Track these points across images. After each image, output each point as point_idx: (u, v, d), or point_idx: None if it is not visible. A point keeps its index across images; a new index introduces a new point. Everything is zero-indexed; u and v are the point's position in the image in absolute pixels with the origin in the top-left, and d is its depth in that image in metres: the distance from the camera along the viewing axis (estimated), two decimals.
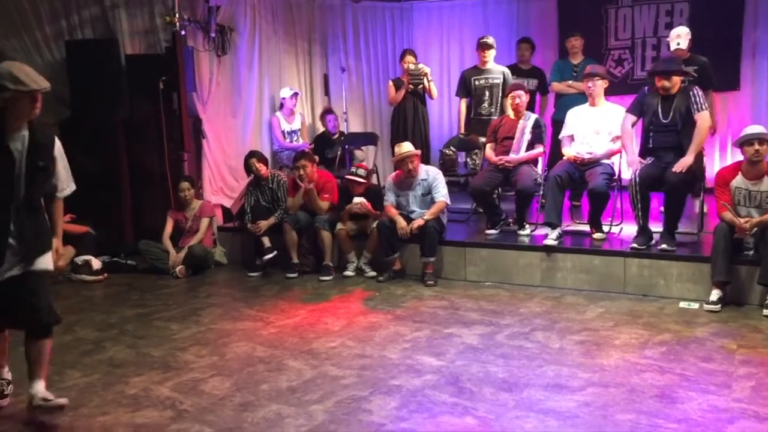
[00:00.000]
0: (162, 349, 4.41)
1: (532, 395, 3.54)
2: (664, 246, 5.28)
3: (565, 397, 3.49)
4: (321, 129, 8.43)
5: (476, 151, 7.14)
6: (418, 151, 6.20)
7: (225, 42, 7.27)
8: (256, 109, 7.93)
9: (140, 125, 7.10)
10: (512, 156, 6.11)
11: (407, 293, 5.62)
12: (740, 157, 5.09)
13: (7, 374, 3.67)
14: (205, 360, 4.19)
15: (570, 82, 7.26)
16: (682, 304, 5.03)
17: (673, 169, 5.11)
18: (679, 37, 6.28)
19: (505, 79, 7.17)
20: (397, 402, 3.50)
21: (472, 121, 7.31)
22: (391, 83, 7.83)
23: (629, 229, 5.86)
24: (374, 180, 7.37)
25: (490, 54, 7.19)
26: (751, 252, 5.02)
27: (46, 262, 3.40)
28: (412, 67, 7.55)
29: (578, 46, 7.40)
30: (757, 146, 4.83)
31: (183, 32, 6.75)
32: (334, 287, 5.92)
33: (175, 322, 5.02)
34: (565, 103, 6.84)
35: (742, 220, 4.85)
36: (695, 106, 5.25)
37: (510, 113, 6.33)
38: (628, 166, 5.48)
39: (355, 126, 9.09)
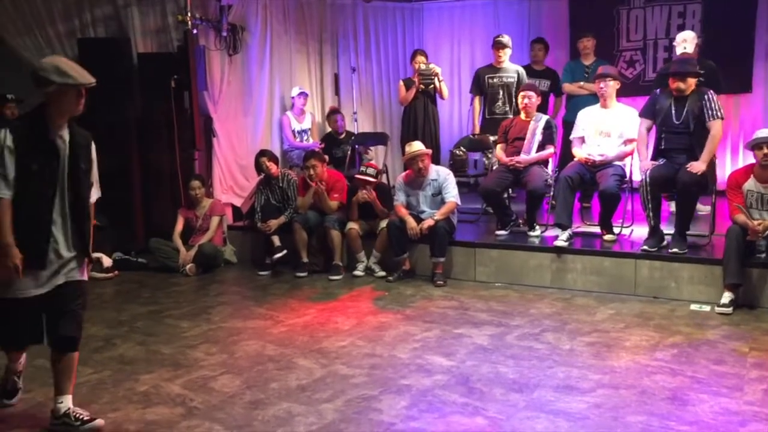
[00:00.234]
0: (172, 347, 4.42)
1: (542, 396, 3.53)
2: (675, 248, 5.26)
3: (575, 399, 3.48)
4: (329, 129, 8.44)
5: (491, 150, 7.13)
6: (429, 150, 6.20)
7: (236, 41, 7.29)
8: (267, 108, 7.94)
9: (152, 124, 7.13)
10: (523, 156, 6.09)
11: (417, 293, 5.62)
12: (752, 160, 5.06)
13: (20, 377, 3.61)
14: (215, 358, 4.20)
15: (582, 83, 7.24)
16: (694, 307, 5.01)
17: (687, 168, 5.08)
18: (685, 41, 6.24)
19: (519, 79, 7.14)
20: (407, 401, 3.50)
21: (485, 120, 7.30)
22: (401, 83, 7.83)
23: (640, 231, 5.84)
24: (384, 180, 7.36)
25: (505, 53, 7.17)
26: (764, 254, 5.00)
27: (84, 271, 3.33)
28: (423, 67, 7.54)
29: (590, 47, 7.38)
30: (766, 150, 4.80)
31: (195, 31, 6.77)
32: (343, 287, 5.93)
33: (185, 319, 5.04)
34: (577, 104, 6.82)
35: (755, 222, 4.83)
36: (709, 113, 5.21)
37: (521, 113, 6.31)
38: (640, 171, 5.45)
39: (366, 126, 9.09)
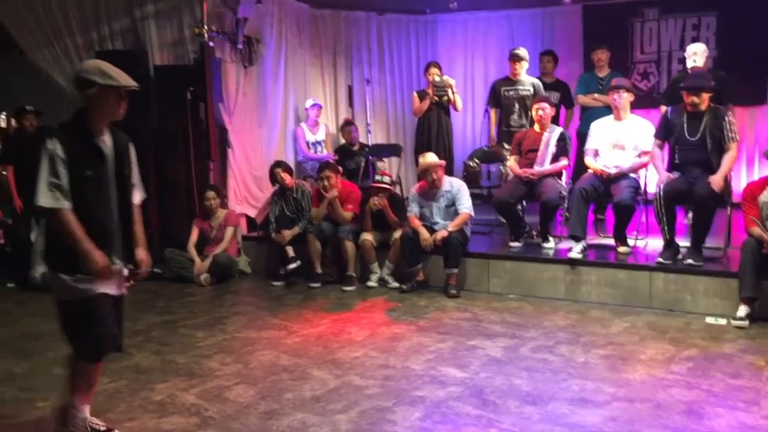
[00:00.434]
0: (187, 357, 4.45)
1: (557, 409, 3.52)
2: (690, 261, 5.23)
3: (590, 412, 3.47)
4: (342, 140, 8.48)
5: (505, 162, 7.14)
6: (443, 162, 6.21)
7: (252, 53, 7.36)
8: (281, 119, 8.00)
9: (168, 135, 7.20)
10: (536, 168, 6.10)
11: (430, 304, 5.62)
12: (767, 172, 5.04)
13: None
14: (229, 368, 4.22)
15: (596, 95, 7.23)
16: (709, 320, 4.98)
17: (706, 182, 5.06)
18: (696, 54, 6.22)
19: (535, 91, 7.14)
20: (420, 413, 3.50)
21: (501, 133, 7.30)
22: (415, 94, 7.85)
23: (655, 243, 5.82)
24: (397, 191, 7.38)
25: (522, 66, 7.18)
26: None
27: (123, 285, 3.26)
28: (437, 79, 7.56)
29: (604, 59, 7.37)
30: None
31: (211, 44, 6.84)
32: (357, 297, 5.94)
33: (200, 329, 5.07)
34: (591, 116, 6.81)
35: None
36: (729, 134, 5.22)
37: (535, 125, 6.32)
38: (656, 184, 5.43)
39: (379, 137, 9.13)
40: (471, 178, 7.02)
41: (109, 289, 3.09)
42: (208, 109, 6.95)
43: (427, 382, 3.92)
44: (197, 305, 5.82)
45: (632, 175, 5.75)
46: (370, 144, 8.43)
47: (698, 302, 5.17)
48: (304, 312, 5.51)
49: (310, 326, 5.09)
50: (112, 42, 7.29)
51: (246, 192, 7.54)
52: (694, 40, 8.00)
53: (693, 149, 5.30)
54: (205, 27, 6.75)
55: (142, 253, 3.31)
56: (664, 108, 6.31)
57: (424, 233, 5.89)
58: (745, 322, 4.77)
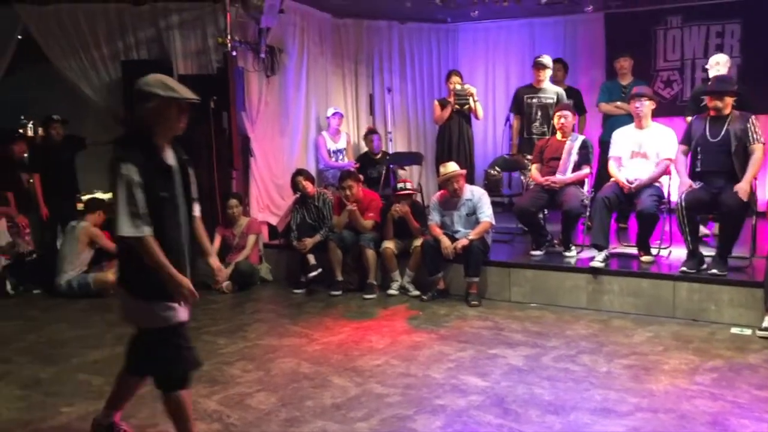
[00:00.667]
0: (209, 363, 4.46)
1: (579, 419, 3.49)
2: (714, 270, 5.17)
3: (613, 422, 3.44)
4: (364, 149, 8.51)
5: (528, 169, 7.12)
6: (464, 171, 6.21)
7: (274, 63, 7.42)
8: (303, 128, 8.06)
9: (191, 143, 7.23)
10: (558, 177, 6.07)
11: (451, 313, 5.61)
12: None
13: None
14: (251, 375, 4.25)
15: (618, 103, 7.19)
16: (734, 330, 4.91)
17: (733, 191, 5.00)
18: (719, 65, 6.18)
19: (558, 100, 7.12)
20: (441, 421, 3.49)
21: (522, 140, 7.29)
22: (436, 103, 7.87)
23: (678, 253, 5.76)
24: (418, 199, 7.39)
25: (545, 73, 7.17)
26: None
27: None
28: (458, 87, 7.58)
29: (627, 67, 7.34)
30: None
31: (234, 53, 6.90)
32: (377, 305, 5.95)
33: (222, 336, 5.10)
34: (613, 124, 6.77)
35: None
36: (754, 136, 5.15)
37: (557, 133, 6.30)
38: (678, 192, 5.38)
39: (400, 146, 9.16)
40: (492, 186, 7.02)
41: (186, 313, 3.04)
42: (230, 117, 7.02)
43: (447, 390, 3.91)
44: (219, 312, 5.86)
45: (656, 183, 5.70)
46: (390, 152, 8.45)
47: (723, 312, 5.11)
48: (324, 320, 5.53)
49: (330, 334, 5.11)
50: (137, 52, 7.40)
51: (268, 200, 7.59)
52: (718, 47, 7.97)
53: (716, 153, 5.23)
54: (229, 37, 6.82)
55: (215, 262, 3.35)
56: (689, 119, 6.27)
57: (445, 241, 5.88)
58: None
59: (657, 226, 5.70)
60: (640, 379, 4.03)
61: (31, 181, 7.39)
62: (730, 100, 5.26)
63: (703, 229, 6.11)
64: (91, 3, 7.28)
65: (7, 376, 4.37)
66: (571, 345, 4.69)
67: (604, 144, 6.74)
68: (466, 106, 7.62)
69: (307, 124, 8.12)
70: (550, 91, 7.22)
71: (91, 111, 7.82)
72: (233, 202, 6.85)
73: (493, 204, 6.27)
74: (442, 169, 6.20)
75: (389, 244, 6.28)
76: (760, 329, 4.75)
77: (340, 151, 8.18)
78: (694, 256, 5.31)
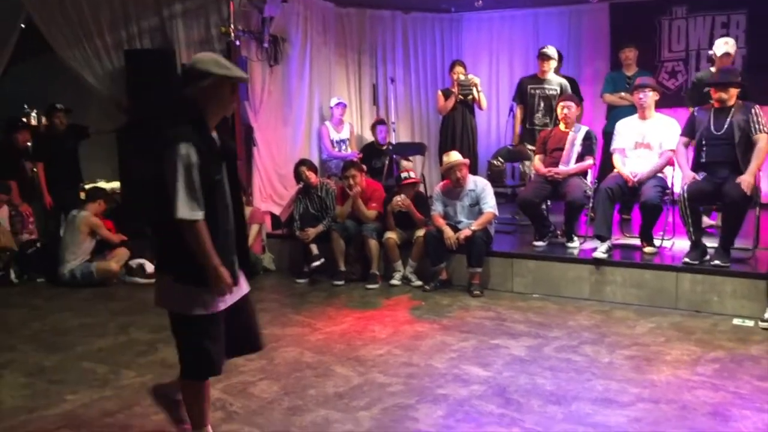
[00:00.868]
0: None
1: (580, 409, 3.50)
2: (717, 261, 5.17)
3: (614, 412, 3.45)
4: (367, 139, 8.49)
5: (530, 159, 7.11)
6: (467, 160, 6.21)
7: (277, 52, 7.41)
8: (306, 118, 8.05)
9: None
10: (561, 168, 6.06)
11: (453, 303, 5.62)
12: None
13: None
14: (254, 364, 4.25)
15: (622, 93, 7.17)
16: (737, 321, 4.92)
17: (736, 182, 4.99)
18: (727, 44, 6.15)
19: (562, 91, 7.10)
20: (443, 411, 3.51)
21: (525, 131, 7.28)
22: (440, 93, 7.86)
23: (681, 244, 5.75)
24: (421, 189, 7.39)
25: (549, 65, 7.15)
26: None
27: (245, 282, 3.14)
28: (462, 77, 7.56)
29: (632, 58, 7.31)
30: None
31: (237, 42, 6.90)
32: (380, 295, 5.96)
33: None
34: (617, 115, 6.75)
35: None
36: (757, 126, 5.13)
37: (560, 124, 6.29)
38: (681, 184, 5.37)
39: (404, 136, 9.15)
40: (495, 176, 7.01)
41: (226, 303, 2.95)
42: (234, 107, 7.00)
43: (450, 380, 3.92)
44: None
45: (659, 174, 5.69)
46: (393, 142, 8.45)
47: (725, 303, 5.11)
48: (327, 309, 5.54)
49: (333, 324, 5.12)
50: (141, 41, 7.38)
51: (271, 190, 7.59)
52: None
53: (719, 145, 5.22)
54: (232, 26, 6.81)
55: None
56: (692, 109, 6.25)
57: (448, 232, 5.89)
58: None
59: (660, 217, 5.70)
60: (642, 369, 4.04)
61: (35, 170, 7.40)
62: (735, 92, 5.24)
63: (706, 220, 6.11)
64: None
65: (11, 364, 4.39)
66: (573, 335, 4.70)
67: (608, 135, 6.72)
68: (470, 97, 7.60)
69: (310, 114, 8.11)
70: (554, 82, 7.20)
71: (94, 100, 7.83)
72: None
73: (496, 194, 6.27)
74: (445, 158, 6.20)
75: (392, 235, 6.28)
76: (763, 320, 4.76)
77: (343, 141, 8.17)
78: (696, 247, 5.31)
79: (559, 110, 6.29)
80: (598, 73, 8.35)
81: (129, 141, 7.22)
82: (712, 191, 5.18)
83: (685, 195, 5.19)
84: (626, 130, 5.90)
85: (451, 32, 9.68)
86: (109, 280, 6.53)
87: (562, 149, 6.13)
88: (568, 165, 6.07)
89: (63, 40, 7.23)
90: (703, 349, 4.36)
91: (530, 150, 6.86)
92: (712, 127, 5.26)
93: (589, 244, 5.96)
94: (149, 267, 6.55)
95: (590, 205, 5.98)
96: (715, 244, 5.32)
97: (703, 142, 5.32)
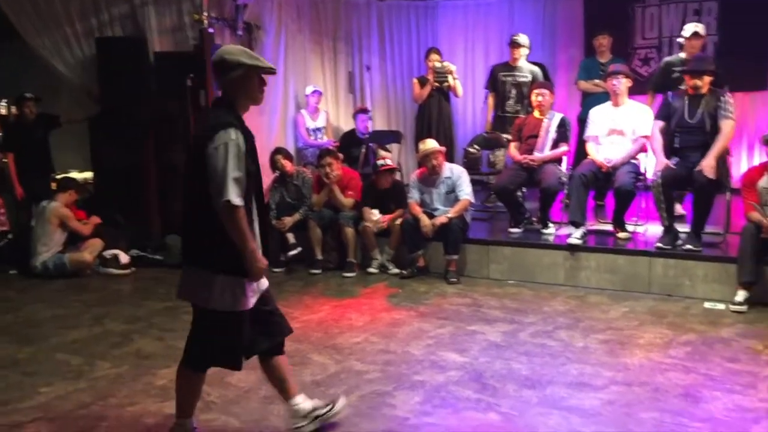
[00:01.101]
0: None
1: (555, 392, 3.54)
2: (689, 246, 5.25)
3: (588, 395, 3.50)
4: (344, 128, 8.46)
5: (499, 149, 7.13)
6: (443, 148, 6.21)
7: (251, 40, 7.35)
8: (282, 106, 8.00)
9: (168, 121, 7.19)
10: (536, 155, 6.10)
11: (430, 290, 5.64)
12: (766, 158, 5.04)
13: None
14: None
15: (597, 80, 7.22)
16: (708, 305, 5.00)
17: (698, 168, 5.07)
18: (697, 26, 6.22)
19: (533, 79, 7.14)
20: (420, 397, 3.53)
21: (497, 118, 7.31)
22: (415, 81, 7.85)
23: (654, 229, 5.83)
24: (398, 177, 7.38)
25: (521, 52, 7.17)
26: None
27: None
28: (437, 65, 7.56)
29: (606, 45, 7.35)
30: None
31: (211, 30, 6.83)
32: (357, 284, 5.97)
33: None
34: (591, 102, 6.79)
35: None
36: (722, 113, 5.20)
37: (535, 111, 6.32)
38: (655, 171, 5.43)
39: (380, 124, 9.12)
40: (471, 164, 7.03)
41: (254, 302, 2.94)
42: (208, 95, 6.93)
43: (426, 366, 3.94)
44: None
45: (632, 160, 5.75)
46: (370, 130, 8.42)
47: (697, 287, 5.19)
48: (304, 298, 5.54)
49: (310, 312, 5.12)
50: (112, 29, 7.27)
51: None
52: None
53: (692, 133, 5.30)
54: (205, 13, 6.74)
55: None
56: (650, 96, 6.32)
57: (424, 219, 5.90)
58: (744, 307, 4.79)
59: (633, 202, 5.76)
60: (616, 353, 4.09)
61: (5, 160, 7.27)
62: (708, 80, 5.30)
63: (679, 209, 6.19)
64: None
65: None
66: (548, 321, 4.75)
67: (583, 122, 6.77)
68: (446, 84, 7.61)
69: (285, 102, 8.06)
70: (525, 69, 7.24)
71: (64, 88, 7.70)
72: None
73: (472, 182, 6.29)
74: (420, 146, 6.21)
75: (368, 223, 6.28)
76: (733, 304, 4.84)
77: (319, 129, 8.13)
78: (669, 232, 5.38)
79: (533, 97, 6.32)
80: (572, 60, 8.39)
81: (101, 130, 7.12)
82: (686, 176, 5.25)
83: (659, 180, 5.25)
84: (599, 117, 5.95)
85: (426, 20, 9.65)
86: (82, 271, 6.46)
87: (536, 136, 6.17)
88: (543, 152, 6.11)
89: (32, 28, 7.09)
90: (675, 332, 4.43)
91: (505, 138, 6.89)
92: (686, 115, 5.33)
93: (564, 230, 6.01)
94: (124, 258, 6.49)
95: (565, 191, 6.03)
96: (687, 229, 5.40)
97: (677, 129, 5.39)
